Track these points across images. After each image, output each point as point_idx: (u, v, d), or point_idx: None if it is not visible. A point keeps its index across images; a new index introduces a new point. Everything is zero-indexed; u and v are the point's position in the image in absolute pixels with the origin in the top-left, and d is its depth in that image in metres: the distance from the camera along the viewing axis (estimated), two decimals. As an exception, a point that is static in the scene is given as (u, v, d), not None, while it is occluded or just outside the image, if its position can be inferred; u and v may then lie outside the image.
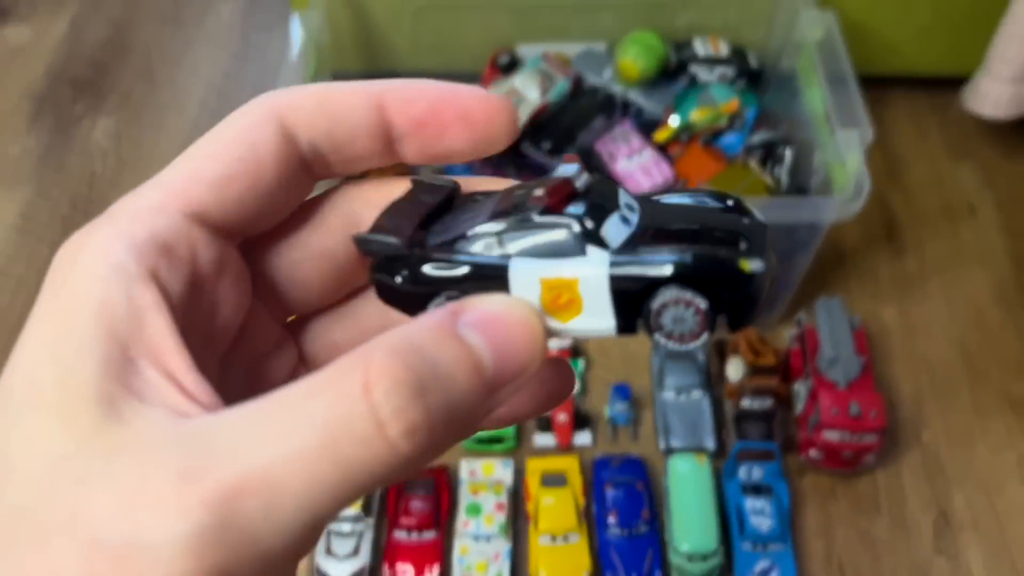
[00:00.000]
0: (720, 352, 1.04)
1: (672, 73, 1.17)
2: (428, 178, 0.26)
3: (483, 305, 0.21)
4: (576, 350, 1.06)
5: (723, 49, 1.17)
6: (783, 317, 1.09)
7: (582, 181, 0.24)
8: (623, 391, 1.01)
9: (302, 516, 0.18)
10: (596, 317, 0.23)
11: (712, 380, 1.03)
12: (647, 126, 1.14)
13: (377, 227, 0.25)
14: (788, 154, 1.05)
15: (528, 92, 1.12)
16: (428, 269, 0.24)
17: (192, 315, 0.22)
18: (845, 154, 0.95)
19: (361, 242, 0.25)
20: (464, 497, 0.94)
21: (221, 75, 1.40)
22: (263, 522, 0.17)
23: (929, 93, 1.33)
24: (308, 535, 0.18)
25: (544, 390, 0.26)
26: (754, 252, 0.23)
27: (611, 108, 1.14)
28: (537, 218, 0.23)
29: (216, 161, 0.23)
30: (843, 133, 0.96)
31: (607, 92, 1.15)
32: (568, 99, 1.13)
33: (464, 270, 0.24)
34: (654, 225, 0.24)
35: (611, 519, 0.92)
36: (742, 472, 0.95)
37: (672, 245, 0.23)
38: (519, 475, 0.97)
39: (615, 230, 0.23)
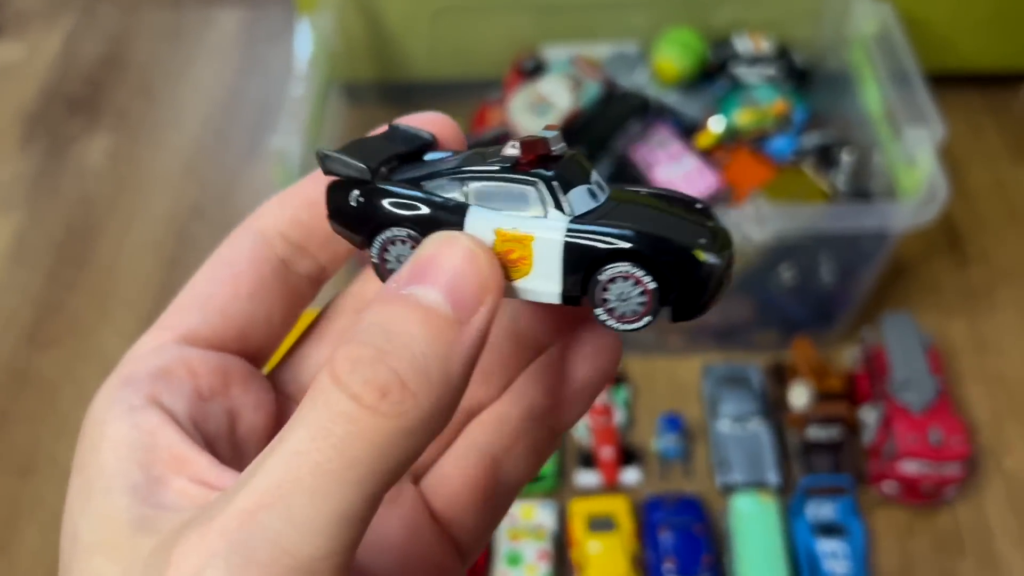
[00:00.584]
0: (779, 376, 0.94)
1: (711, 74, 1.09)
2: (405, 127, 0.26)
3: (417, 255, 0.21)
4: (620, 377, 0.97)
5: (765, 46, 1.09)
6: (845, 335, 0.99)
7: (558, 147, 0.24)
8: (673, 422, 0.92)
9: (325, 512, 0.18)
10: (544, 280, 0.23)
11: (770, 407, 0.93)
12: (686, 131, 1.05)
13: (344, 151, 0.24)
14: (846, 157, 0.96)
15: (557, 98, 1.04)
16: (385, 202, 0.24)
17: (211, 420, 0.23)
18: (914, 154, 0.86)
19: (324, 159, 0.24)
20: (502, 544, 0.84)
21: (224, 90, 1.31)
22: (288, 529, 0.18)
23: (983, 92, 1.24)
24: (343, 533, 0.19)
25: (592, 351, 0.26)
26: (711, 248, 0.22)
27: (646, 112, 1.05)
28: (506, 172, 0.23)
29: (199, 285, 0.25)
30: (911, 131, 0.87)
31: (642, 95, 1.06)
32: (600, 104, 1.04)
33: (420, 208, 0.24)
34: (619, 205, 0.24)
35: (668, 566, 0.82)
36: (811, 510, 0.85)
37: (632, 223, 0.22)
38: (562, 518, 0.88)
39: (580, 200, 0.23)
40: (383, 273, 0.25)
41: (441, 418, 0.20)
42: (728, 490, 0.87)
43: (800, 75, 1.08)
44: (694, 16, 1.10)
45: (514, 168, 0.23)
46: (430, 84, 1.18)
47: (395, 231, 0.24)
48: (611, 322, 0.23)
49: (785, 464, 0.90)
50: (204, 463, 0.21)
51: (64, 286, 1.08)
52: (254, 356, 0.26)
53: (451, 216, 0.23)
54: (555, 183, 0.23)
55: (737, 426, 0.91)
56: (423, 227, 0.23)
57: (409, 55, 1.16)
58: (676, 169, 1.00)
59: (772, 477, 0.87)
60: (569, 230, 0.23)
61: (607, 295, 0.23)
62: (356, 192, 0.24)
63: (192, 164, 1.22)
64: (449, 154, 0.26)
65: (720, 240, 0.23)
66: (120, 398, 0.22)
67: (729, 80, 1.07)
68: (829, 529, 0.84)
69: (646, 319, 0.23)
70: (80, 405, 0.85)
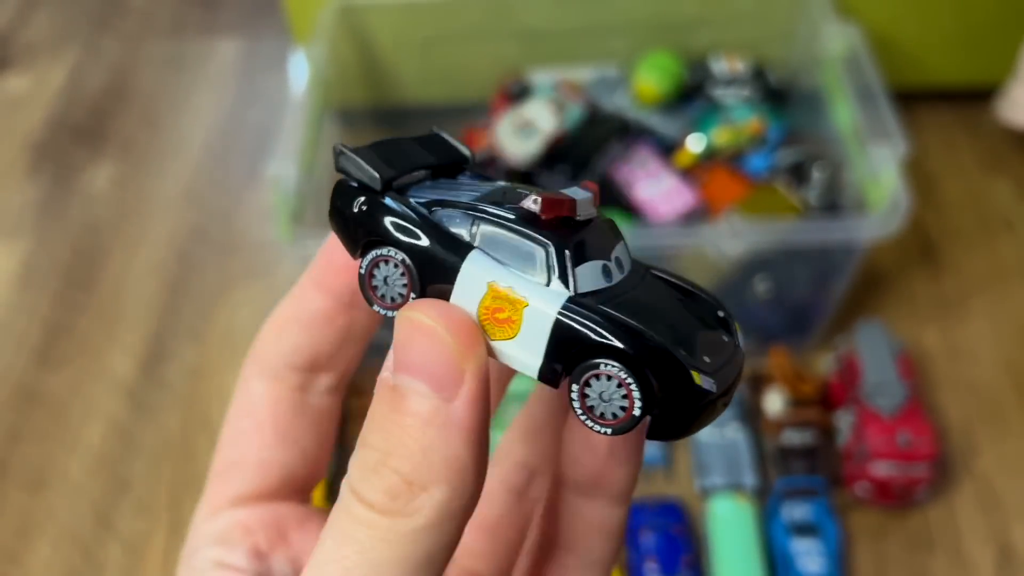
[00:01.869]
0: (756, 384, 0.98)
1: (689, 95, 1.13)
2: (446, 137, 0.25)
3: (396, 340, 0.21)
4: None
5: (741, 68, 1.13)
6: (819, 344, 1.03)
7: (586, 212, 0.22)
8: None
9: None
10: (525, 350, 0.21)
11: (748, 413, 0.97)
12: (666, 150, 1.09)
13: (365, 153, 0.24)
14: (817, 173, 1.01)
15: (542, 121, 1.08)
16: (387, 219, 0.23)
17: (276, 571, 0.26)
18: (879, 170, 0.90)
19: (339, 155, 0.24)
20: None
21: (224, 117, 1.36)
22: None
23: (955, 107, 1.28)
24: None
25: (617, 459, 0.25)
26: (712, 373, 0.21)
27: (627, 133, 1.09)
28: (520, 224, 0.21)
29: (228, 447, 0.27)
30: (875, 148, 0.91)
31: (623, 117, 1.10)
32: (583, 126, 1.09)
33: (420, 238, 0.22)
34: (632, 292, 0.22)
35: (650, 565, 0.86)
36: (786, 511, 0.89)
37: (636, 319, 0.21)
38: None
39: (590, 277, 0.21)
40: (367, 289, 0.23)
41: (467, 499, 0.20)
42: (707, 493, 0.91)
43: (775, 95, 1.13)
44: (672, 40, 1.14)
45: (532, 222, 0.22)
46: (420, 108, 1.23)
47: (389, 251, 0.23)
48: (584, 417, 0.21)
49: (762, 468, 0.94)
50: None
51: (72, 308, 1.12)
52: (303, 489, 0.27)
53: (448, 256, 0.22)
54: (566, 253, 0.21)
55: (716, 432, 0.95)
56: (417, 258, 0.22)
57: (400, 81, 1.21)
58: (655, 187, 1.05)
59: (749, 480, 0.91)
60: (565, 307, 0.21)
61: (588, 389, 0.21)
62: (361, 199, 0.23)
63: (193, 189, 1.27)
64: (480, 179, 0.24)
65: (727, 363, 0.22)
66: (193, 565, 0.25)
67: (706, 101, 1.12)
68: (804, 529, 0.88)
69: (620, 427, 0.21)
70: (89, 422, 0.91)
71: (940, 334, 1.07)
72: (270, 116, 1.34)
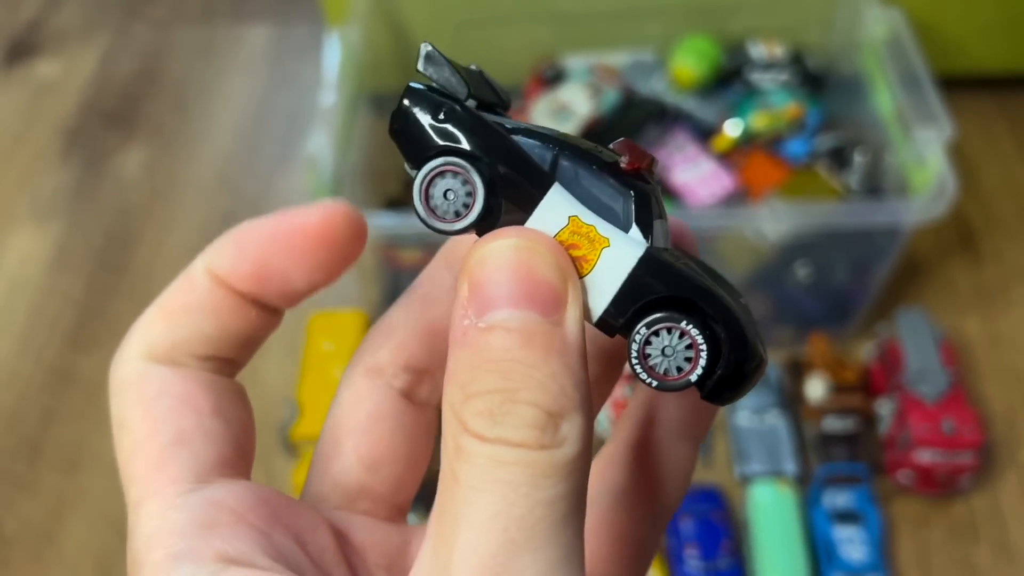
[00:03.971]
0: (796, 371, 0.97)
1: (726, 80, 1.12)
2: (489, 76, 0.24)
3: (471, 280, 0.19)
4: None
5: (779, 52, 1.12)
6: (860, 331, 1.02)
7: (657, 172, 0.22)
8: (693, 414, 0.95)
9: (552, 561, 0.18)
10: (595, 290, 0.21)
11: (787, 400, 0.96)
12: (703, 135, 1.08)
13: (445, 62, 0.22)
14: (858, 158, 0.99)
15: (577, 105, 1.07)
16: (466, 132, 0.21)
17: (286, 538, 0.22)
18: (924, 153, 0.89)
19: (429, 58, 0.22)
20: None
21: (255, 102, 1.36)
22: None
23: (995, 94, 1.26)
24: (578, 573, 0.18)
25: None
26: (761, 338, 0.21)
27: (664, 117, 1.08)
28: (603, 168, 0.21)
29: (154, 431, 0.23)
30: (920, 132, 0.90)
31: (659, 101, 1.09)
32: (619, 110, 1.08)
33: (501, 159, 0.21)
34: (686, 259, 0.22)
35: (690, 551, 0.85)
36: (828, 498, 0.88)
37: (705, 283, 0.21)
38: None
39: (661, 234, 0.21)
40: (421, 198, 0.22)
41: (593, 420, 0.19)
42: (747, 480, 0.90)
43: (813, 80, 1.11)
44: (709, 24, 1.13)
45: (613, 169, 0.21)
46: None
47: (460, 163, 0.21)
48: (641, 371, 0.21)
49: (802, 455, 0.92)
50: None
51: (104, 292, 1.12)
52: (408, 498, 0.25)
53: (531, 181, 0.21)
54: (652, 203, 0.21)
55: (755, 418, 0.93)
56: (497, 177, 0.21)
57: (433, 66, 1.20)
58: (693, 171, 1.03)
59: (790, 467, 0.90)
60: (646, 255, 0.21)
61: (651, 342, 0.21)
62: (443, 106, 0.22)
63: (224, 174, 1.26)
64: (523, 124, 0.22)
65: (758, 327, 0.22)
66: (185, 573, 0.20)
67: (744, 85, 1.10)
68: (846, 516, 0.86)
69: (682, 382, 0.21)
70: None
71: (981, 323, 1.05)
72: (300, 102, 1.34)
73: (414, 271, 0.96)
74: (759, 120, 1.06)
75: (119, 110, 1.36)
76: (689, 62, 1.08)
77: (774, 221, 0.87)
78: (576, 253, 0.21)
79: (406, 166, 0.23)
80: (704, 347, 0.20)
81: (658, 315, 0.20)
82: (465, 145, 0.21)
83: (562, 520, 0.18)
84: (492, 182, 0.21)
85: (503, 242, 0.19)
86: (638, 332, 0.21)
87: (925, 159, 0.89)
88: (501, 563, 0.17)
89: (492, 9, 1.14)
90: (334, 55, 1.00)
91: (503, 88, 0.24)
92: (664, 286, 0.21)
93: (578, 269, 0.21)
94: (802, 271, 0.96)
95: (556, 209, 0.21)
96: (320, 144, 0.89)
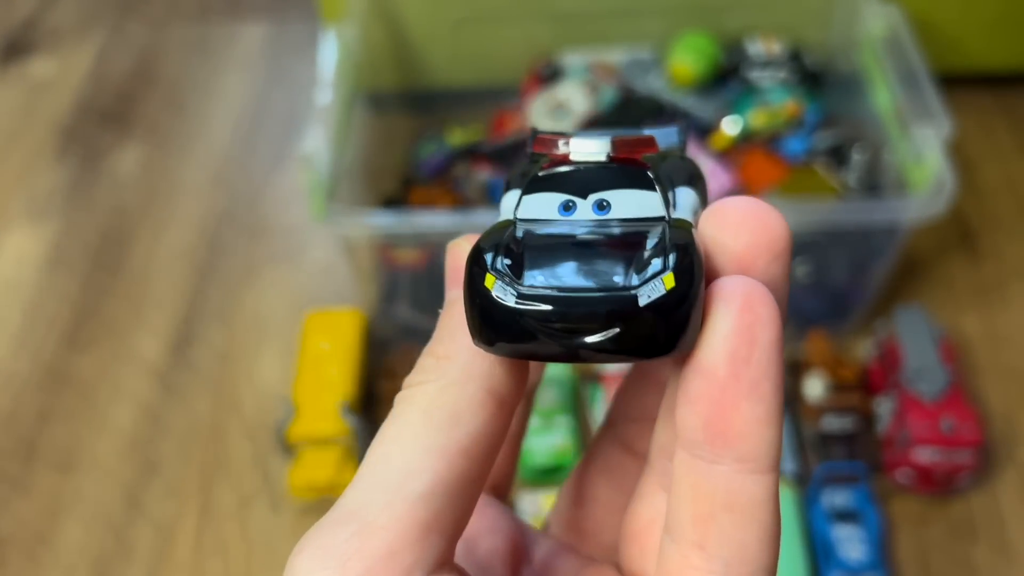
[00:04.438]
0: (794, 370, 0.96)
1: (724, 77, 1.11)
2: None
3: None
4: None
5: (777, 50, 1.11)
6: (859, 329, 1.01)
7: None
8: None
9: None
10: None
11: (786, 399, 0.95)
12: (701, 132, 1.08)
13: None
14: (857, 155, 0.99)
15: (575, 103, 1.07)
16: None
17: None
18: (922, 151, 0.88)
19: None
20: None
21: (251, 101, 1.35)
22: None
23: (994, 92, 1.26)
24: None
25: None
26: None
27: (662, 115, 1.08)
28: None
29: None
30: (919, 129, 0.89)
31: (657, 99, 1.09)
32: (617, 108, 1.07)
33: None
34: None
35: (687, 553, 0.84)
36: (826, 497, 0.88)
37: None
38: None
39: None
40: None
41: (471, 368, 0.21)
42: (745, 479, 0.89)
43: (812, 77, 1.11)
44: (707, 21, 1.13)
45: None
46: (450, 92, 1.22)
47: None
48: None
49: (801, 453, 0.92)
50: None
51: (100, 291, 1.12)
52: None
53: None
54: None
55: (754, 418, 0.93)
56: None
57: (430, 64, 1.20)
58: (691, 170, 1.03)
59: (788, 465, 0.89)
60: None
61: None
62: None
63: (221, 172, 1.26)
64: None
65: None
66: None
67: (742, 83, 1.10)
68: (845, 515, 0.86)
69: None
70: (118, 404, 0.90)
71: (980, 321, 1.05)
72: (297, 100, 1.33)
73: (411, 271, 0.96)
74: (757, 118, 1.05)
75: (115, 108, 1.36)
76: (687, 60, 1.08)
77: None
78: None
79: None
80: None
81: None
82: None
83: (433, 425, 0.20)
84: None
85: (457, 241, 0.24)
86: None
87: (923, 157, 0.88)
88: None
89: (489, 7, 1.14)
90: (330, 53, 1.00)
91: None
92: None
93: None
94: (800, 269, 0.95)
95: None
96: (316, 143, 0.89)
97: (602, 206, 0.21)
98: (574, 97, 1.07)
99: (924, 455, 0.86)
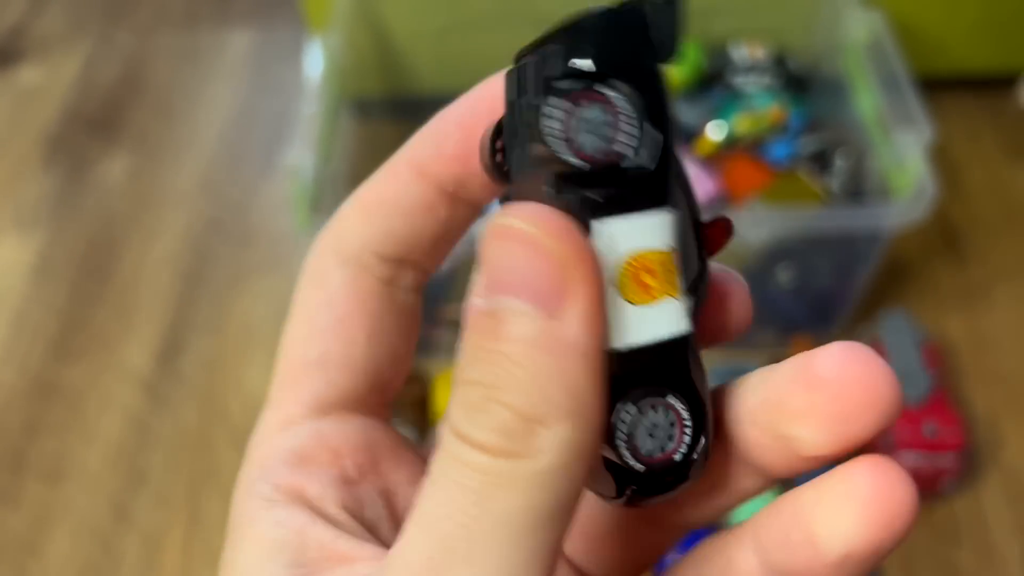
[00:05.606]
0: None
1: (709, 83, 1.12)
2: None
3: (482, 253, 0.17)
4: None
5: (761, 55, 1.12)
6: (842, 334, 1.02)
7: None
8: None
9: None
10: (628, 325, 0.18)
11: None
12: (685, 138, 1.08)
13: None
14: (840, 160, 0.99)
15: (559, 109, 1.07)
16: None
17: (366, 504, 0.21)
18: (904, 156, 0.89)
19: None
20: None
21: (239, 108, 1.36)
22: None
23: (978, 95, 1.27)
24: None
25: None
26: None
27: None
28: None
29: (301, 343, 0.23)
30: (900, 134, 0.90)
31: None
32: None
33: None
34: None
35: (674, 554, 0.85)
36: (811, 502, 0.88)
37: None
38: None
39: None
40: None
41: (589, 434, 0.17)
42: (730, 485, 0.90)
43: (795, 82, 1.11)
44: (691, 26, 1.13)
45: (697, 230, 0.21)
46: (436, 98, 1.21)
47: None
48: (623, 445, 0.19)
49: (786, 459, 0.92)
50: (368, 554, 0.19)
51: (88, 300, 1.12)
52: (387, 398, 0.23)
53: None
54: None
55: (739, 423, 0.93)
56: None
57: (416, 71, 1.20)
58: (676, 176, 1.03)
59: (773, 471, 0.90)
60: (689, 337, 0.19)
61: (641, 417, 0.19)
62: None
63: (208, 180, 1.26)
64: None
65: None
66: (258, 492, 0.20)
67: (726, 88, 1.11)
68: (829, 521, 0.86)
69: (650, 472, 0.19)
70: (106, 414, 0.90)
71: (964, 324, 1.06)
72: (284, 107, 1.34)
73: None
74: (742, 123, 1.06)
75: (102, 117, 1.36)
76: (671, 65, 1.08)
77: (756, 226, 0.87)
78: (647, 279, 0.18)
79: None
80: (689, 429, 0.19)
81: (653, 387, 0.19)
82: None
83: (514, 536, 0.16)
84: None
85: (507, 222, 0.17)
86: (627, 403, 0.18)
87: (906, 162, 0.89)
88: (435, 567, 0.16)
89: (474, 14, 1.14)
90: (316, 61, 1.00)
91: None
92: (672, 378, 0.19)
93: (631, 292, 0.18)
94: (784, 275, 0.96)
95: (658, 231, 0.18)
96: (301, 155, 0.89)
97: None
98: (559, 104, 1.07)
99: (907, 459, 0.87)
